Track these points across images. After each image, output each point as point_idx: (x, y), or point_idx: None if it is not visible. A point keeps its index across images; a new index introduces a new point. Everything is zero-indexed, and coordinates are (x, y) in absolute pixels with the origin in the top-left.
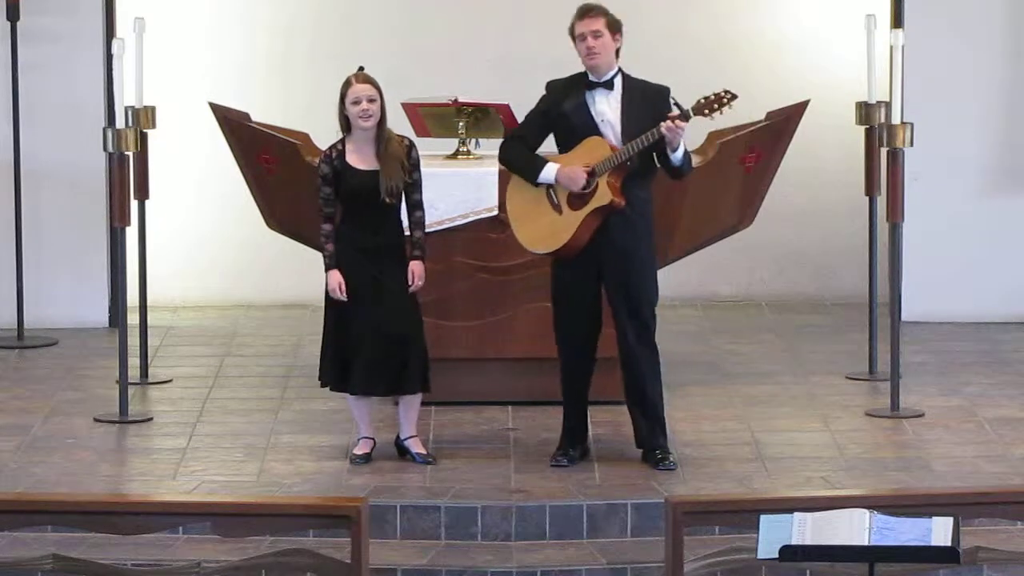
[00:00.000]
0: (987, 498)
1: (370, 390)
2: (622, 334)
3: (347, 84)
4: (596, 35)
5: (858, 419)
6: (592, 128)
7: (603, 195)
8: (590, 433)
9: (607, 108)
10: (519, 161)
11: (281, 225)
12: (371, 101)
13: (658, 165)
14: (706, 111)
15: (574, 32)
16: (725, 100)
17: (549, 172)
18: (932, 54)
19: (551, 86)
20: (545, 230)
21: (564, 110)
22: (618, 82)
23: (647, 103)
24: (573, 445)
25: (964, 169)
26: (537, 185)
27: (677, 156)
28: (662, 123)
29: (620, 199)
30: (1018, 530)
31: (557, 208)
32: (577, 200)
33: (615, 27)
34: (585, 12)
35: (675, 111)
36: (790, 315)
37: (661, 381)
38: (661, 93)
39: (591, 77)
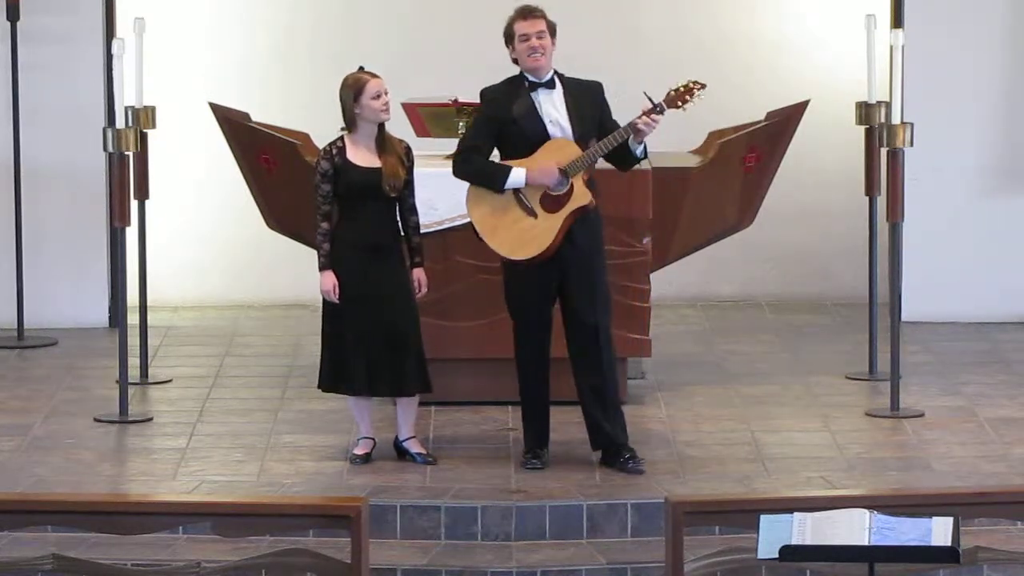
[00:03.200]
0: (987, 498)
1: (369, 390)
2: (585, 334)
3: (363, 81)
4: (540, 36)
5: (858, 419)
6: (542, 130)
7: (581, 195)
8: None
9: (553, 109)
10: (480, 171)
11: (281, 225)
12: (387, 94)
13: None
14: (679, 103)
15: (514, 33)
16: (695, 90)
17: (518, 176)
18: (932, 54)
19: (490, 92)
20: (523, 235)
21: (514, 115)
22: (556, 81)
23: (588, 100)
24: (542, 446)
25: (964, 169)
26: (502, 192)
27: (642, 148)
28: (637, 118)
29: (594, 198)
30: (1018, 530)
31: (531, 213)
32: (552, 202)
33: (553, 30)
34: (528, 13)
35: (648, 104)
36: (790, 315)
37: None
38: (598, 88)
39: (532, 78)
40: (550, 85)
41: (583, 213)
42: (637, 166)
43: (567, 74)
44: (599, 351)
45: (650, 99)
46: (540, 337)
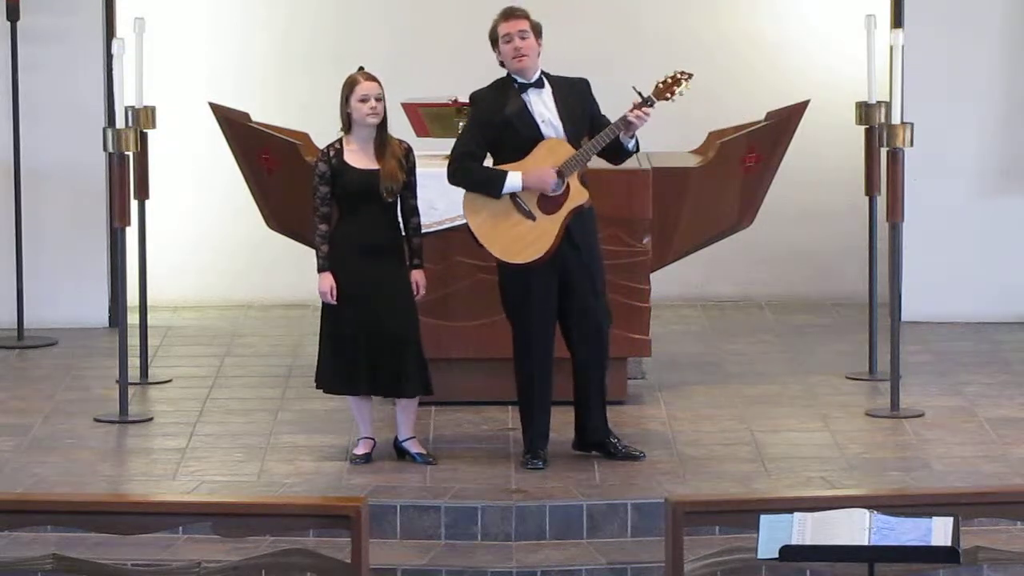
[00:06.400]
0: (987, 498)
1: (368, 391)
2: (588, 332)
3: (354, 82)
4: (523, 35)
5: (858, 419)
6: (535, 131)
7: (578, 194)
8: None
9: (544, 108)
10: (476, 177)
11: (281, 225)
12: (378, 100)
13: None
14: (668, 95)
15: (498, 34)
16: (682, 80)
17: (515, 180)
18: (932, 54)
19: (479, 96)
20: (523, 239)
21: (507, 116)
22: (545, 81)
23: (576, 97)
24: (543, 446)
25: (964, 169)
26: (500, 197)
27: (633, 143)
28: (628, 112)
29: (589, 197)
30: (1018, 530)
31: (529, 216)
32: (549, 204)
33: (538, 30)
34: (510, 14)
35: (637, 99)
36: (790, 315)
37: None
38: (584, 85)
39: (520, 79)
40: (539, 85)
41: (579, 211)
42: (636, 165)
43: (555, 72)
44: (601, 348)
45: (639, 93)
46: (543, 337)
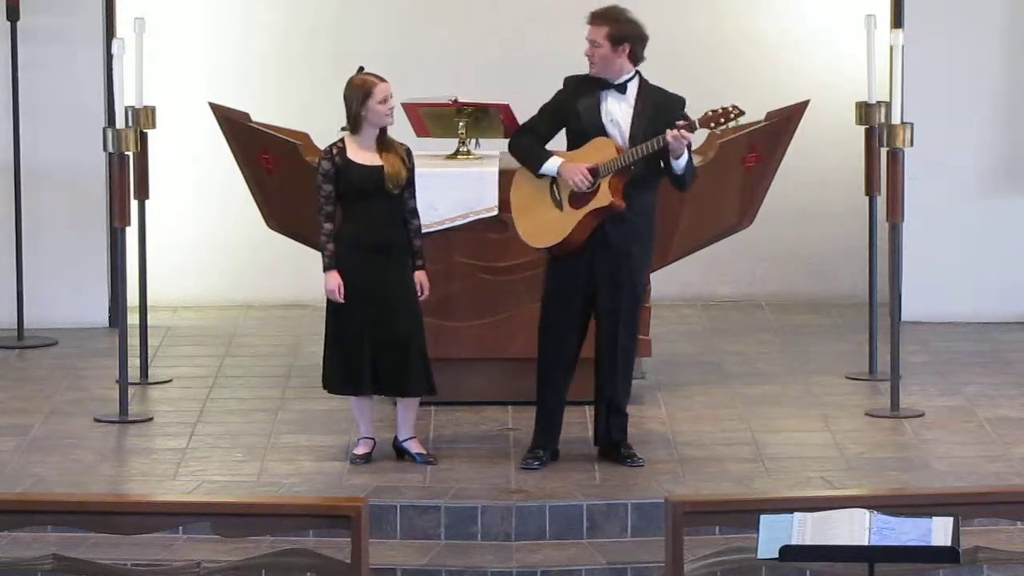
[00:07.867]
0: (987, 498)
1: (374, 391)
2: (607, 331)
3: (372, 84)
4: (595, 44)
5: (858, 419)
6: (600, 128)
7: (603, 196)
8: (560, 435)
9: (618, 110)
10: (525, 151)
11: (281, 225)
12: (392, 98)
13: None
14: (712, 124)
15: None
16: (733, 115)
17: (552, 164)
18: (932, 54)
19: (568, 81)
20: (544, 225)
21: (576, 108)
22: (632, 87)
23: (662, 111)
24: (544, 446)
25: (964, 169)
26: (540, 176)
27: (679, 164)
28: (668, 131)
29: (620, 202)
30: (1018, 530)
31: (558, 204)
32: (579, 199)
33: (617, 39)
34: (593, 18)
35: (682, 121)
36: (790, 315)
37: (631, 381)
38: (677, 102)
39: (603, 78)
40: (621, 89)
41: (607, 214)
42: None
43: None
44: (613, 354)
45: (685, 116)
46: (560, 335)
